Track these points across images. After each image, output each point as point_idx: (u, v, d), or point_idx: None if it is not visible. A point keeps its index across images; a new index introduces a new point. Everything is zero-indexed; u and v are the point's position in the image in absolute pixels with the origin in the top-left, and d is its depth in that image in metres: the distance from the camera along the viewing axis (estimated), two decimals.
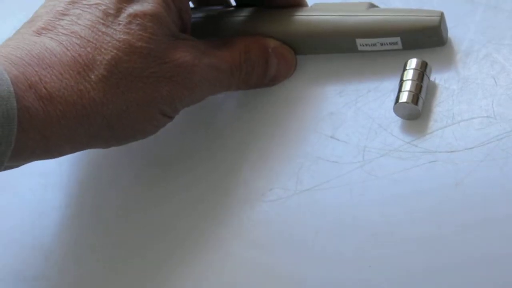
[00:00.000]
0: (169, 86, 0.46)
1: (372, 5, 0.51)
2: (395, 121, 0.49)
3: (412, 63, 0.49)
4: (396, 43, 0.50)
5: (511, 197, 0.44)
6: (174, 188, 0.51)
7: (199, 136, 0.53)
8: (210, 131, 0.53)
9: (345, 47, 0.51)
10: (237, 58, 0.50)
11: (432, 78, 0.49)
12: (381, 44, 0.50)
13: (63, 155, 0.47)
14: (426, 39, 0.49)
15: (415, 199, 0.46)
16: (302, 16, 0.52)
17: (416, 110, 0.48)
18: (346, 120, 0.50)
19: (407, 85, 0.48)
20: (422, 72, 0.48)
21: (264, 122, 0.52)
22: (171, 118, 0.48)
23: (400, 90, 0.48)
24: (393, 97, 0.49)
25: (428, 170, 0.46)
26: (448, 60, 0.49)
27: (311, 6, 0.53)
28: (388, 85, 0.50)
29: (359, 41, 0.50)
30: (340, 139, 0.49)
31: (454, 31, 0.50)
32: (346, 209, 0.47)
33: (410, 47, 0.50)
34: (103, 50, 0.45)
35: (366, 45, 0.50)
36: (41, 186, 0.55)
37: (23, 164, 0.46)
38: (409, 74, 0.48)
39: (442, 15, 0.49)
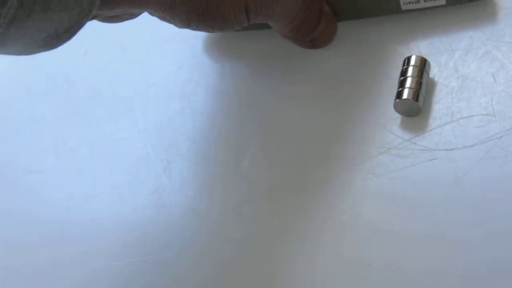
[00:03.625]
0: None
1: None
2: (394, 119, 0.48)
3: (412, 59, 0.49)
4: None
5: (511, 195, 0.44)
6: None
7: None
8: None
9: (388, 6, 0.51)
10: (306, 1, 0.51)
11: (431, 76, 0.49)
12: (425, 0, 0.50)
13: (147, 10, 0.46)
14: None
15: (414, 197, 0.46)
16: None
17: (416, 107, 0.48)
18: (345, 118, 0.50)
19: (407, 82, 0.48)
20: (421, 68, 0.48)
21: (263, 120, 0.52)
22: (248, 21, 0.48)
23: (400, 87, 0.48)
24: (392, 94, 0.49)
25: (427, 168, 0.46)
26: (447, 57, 0.49)
27: None
28: (387, 82, 0.50)
29: None
30: (339, 136, 0.49)
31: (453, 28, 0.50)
32: (345, 207, 0.47)
33: (454, 2, 0.49)
34: None
35: (409, 2, 0.50)
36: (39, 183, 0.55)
37: (110, 14, 0.45)
38: (409, 71, 0.48)
39: None
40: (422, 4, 0.50)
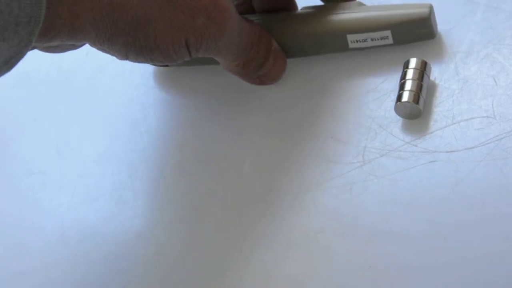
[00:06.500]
0: (205, 20, 0.46)
1: (361, 4, 0.51)
2: (395, 121, 0.49)
3: (412, 62, 0.49)
4: (387, 37, 0.50)
5: (511, 197, 0.44)
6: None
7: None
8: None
9: (336, 44, 0.51)
10: (253, 38, 0.50)
11: (432, 78, 0.49)
12: (372, 40, 0.50)
13: (85, 43, 0.45)
14: (416, 31, 0.50)
15: (415, 199, 0.46)
16: (293, 16, 0.52)
17: (417, 109, 0.48)
18: (346, 121, 0.50)
19: (408, 85, 0.48)
20: (422, 71, 0.48)
21: (264, 125, 0.52)
22: (189, 55, 0.47)
23: (401, 90, 0.48)
24: (393, 97, 0.49)
25: (428, 170, 0.46)
26: (448, 60, 0.49)
27: (300, 9, 0.53)
28: (388, 86, 0.50)
29: (350, 37, 0.50)
30: (340, 139, 0.49)
31: (454, 31, 0.50)
32: (346, 209, 0.47)
33: (401, 41, 0.50)
34: None
35: (357, 41, 0.50)
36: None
37: (48, 45, 0.44)
38: (409, 74, 0.48)
39: (431, 7, 0.49)
40: (369, 43, 0.51)
